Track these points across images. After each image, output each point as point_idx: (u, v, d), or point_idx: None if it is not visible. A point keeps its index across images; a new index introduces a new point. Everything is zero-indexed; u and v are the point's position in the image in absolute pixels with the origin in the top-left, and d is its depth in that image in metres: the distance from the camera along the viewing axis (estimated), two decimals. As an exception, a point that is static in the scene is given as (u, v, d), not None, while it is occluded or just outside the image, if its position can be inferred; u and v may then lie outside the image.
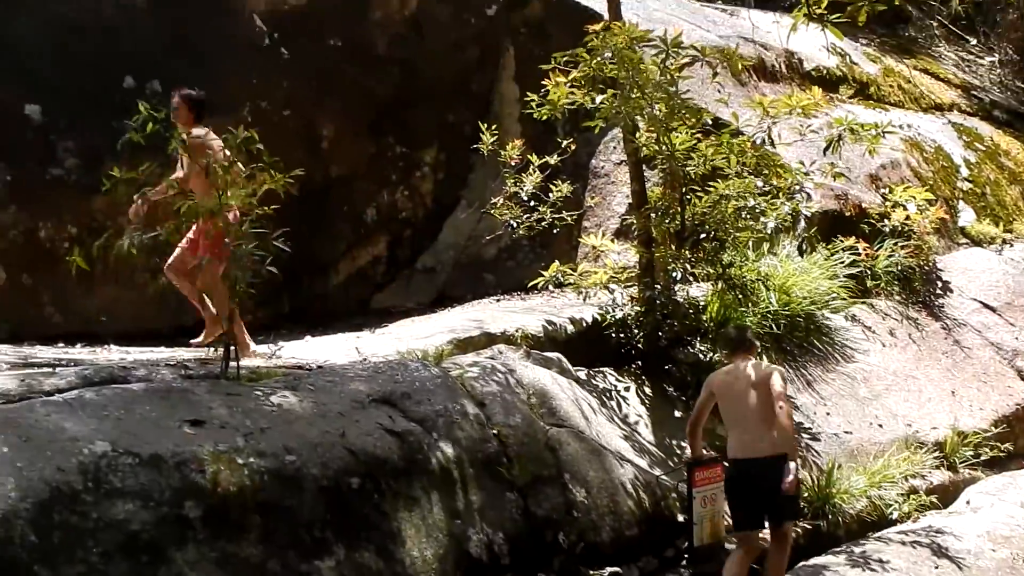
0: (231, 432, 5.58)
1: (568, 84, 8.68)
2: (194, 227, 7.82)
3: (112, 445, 5.19)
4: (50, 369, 6.69)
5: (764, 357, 8.89)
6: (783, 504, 6.78)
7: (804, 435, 9.01)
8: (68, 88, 9.39)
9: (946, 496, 9.03)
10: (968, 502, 8.81)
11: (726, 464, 7.13)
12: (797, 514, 7.34)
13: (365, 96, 10.50)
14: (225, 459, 5.41)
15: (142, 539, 4.96)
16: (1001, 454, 9.63)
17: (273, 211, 6.57)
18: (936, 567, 7.64)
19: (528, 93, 9.33)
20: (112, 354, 8.08)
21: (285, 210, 6.72)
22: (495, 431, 6.75)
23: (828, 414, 9.44)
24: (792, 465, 6.64)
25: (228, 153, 7.11)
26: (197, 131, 7.86)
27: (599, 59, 8.48)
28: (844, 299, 10.23)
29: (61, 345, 8.58)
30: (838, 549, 7.92)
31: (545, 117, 8.98)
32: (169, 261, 8.09)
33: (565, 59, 8.62)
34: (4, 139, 9.12)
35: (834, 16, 8.26)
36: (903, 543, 7.95)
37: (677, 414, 8.51)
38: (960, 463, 9.44)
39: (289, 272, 7.24)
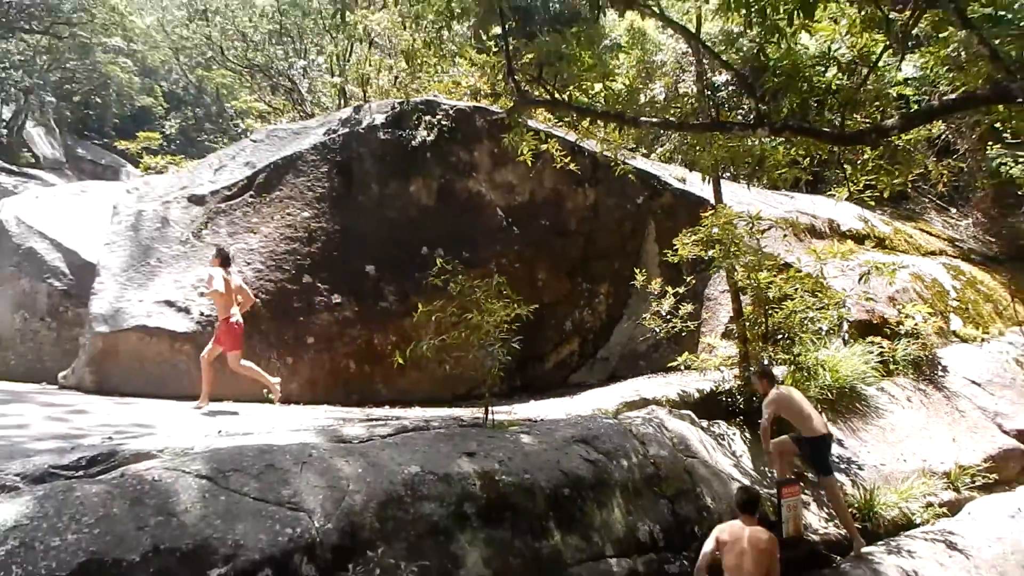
0: (491, 460, 5.63)
1: (690, 244, 8.71)
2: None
3: (420, 468, 5.30)
4: (383, 422, 6.90)
5: (823, 414, 8.47)
6: None
7: (853, 466, 8.59)
8: (389, 255, 9.72)
9: (953, 509, 8.41)
10: (969, 513, 8.18)
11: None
12: None
13: (563, 254, 10.63)
14: (488, 476, 5.46)
15: (440, 526, 5.03)
16: (990, 481, 8.91)
17: (513, 325, 6.73)
18: (949, 555, 7.23)
19: (663, 249, 9.44)
20: (417, 413, 8.27)
21: (518, 323, 6.83)
22: (652, 460, 6.61)
23: (868, 452, 8.92)
24: None
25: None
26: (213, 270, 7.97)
27: (710, 229, 8.51)
28: (875, 377, 9.71)
29: (387, 408, 8.81)
30: (879, 543, 7.53)
31: (676, 261, 9.07)
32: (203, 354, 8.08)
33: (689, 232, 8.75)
34: (355, 286, 9.54)
35: (864, 194, 8.09)
36: (924, 539, 7.51)
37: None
38: (962, 487, 8.79)
39: (520, 361, 7.34)
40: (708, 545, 5.79)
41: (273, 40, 20.49)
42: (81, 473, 5.25)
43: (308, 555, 4.49)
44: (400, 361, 7.05)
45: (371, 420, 7.16)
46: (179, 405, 8.38)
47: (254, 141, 11.01)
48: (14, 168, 31.48)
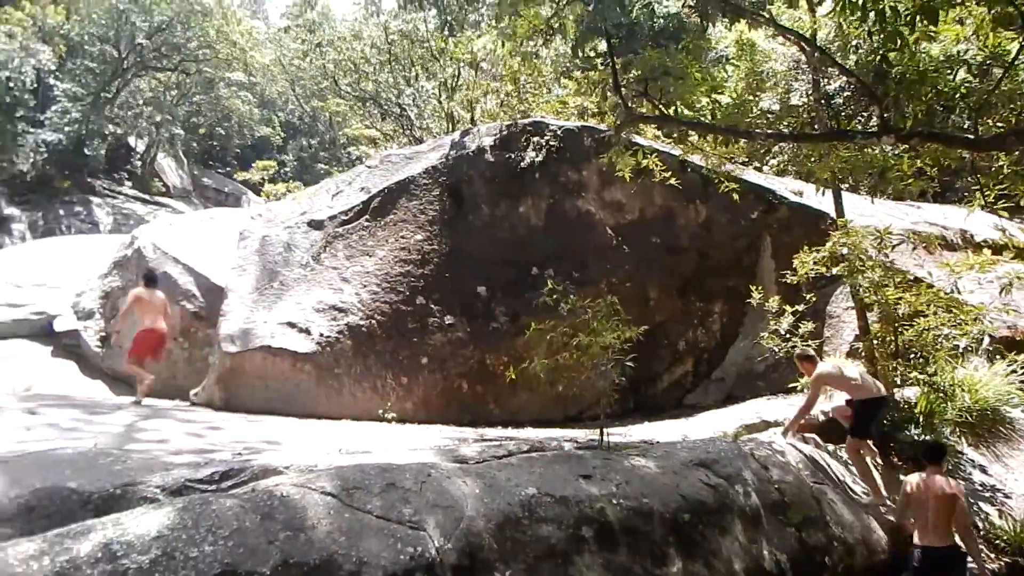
0: (608, 482, 5.55)
1: (811, 261, 8.39)
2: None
3: (538, 489, 5.28)
4: (497, 442, 6.93)
5: (963, 439, 7.96)
6: None
7: (999, 495, 7.92)
8: (500, 276, 9.80)
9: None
10: None
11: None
12: None
13: (675, 272, 10.43)
14: (605, 499, 5.38)
15: (557, 549, 4.98)
16: None
17: (625, 344, 6.64)
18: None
19: (780, 265, 9.11)
20: (530, 433, 8.26)
21: (630, 343, 6.73)
22: (776, 485, 6.35)
23: (1016, 480, 8.23)
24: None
25: None
26: None
27: (834, 247, 8.21)
28: (1021, 398, 8.91)
29: (500, 428, 8.85)
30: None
31: (795, 282, 8.70)
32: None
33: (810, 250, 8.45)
34: (467, 307, 9.66)
35: (996, 204, 7.58)
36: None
37: (900, 477, 7.69)
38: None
39: (632, 381, 7.24)
40: (901, 499, 6.49)
41: (383, 69, 21.19)
42: (215, 487, 5.51)
43: (428, 574, 4.53)
44: (512, 378, 7.10)
45: (486, 440, 7.20)
46: (301, 422, 8.69)
47: (368, 167, 11.37)
48: (147, 197, 33.76)
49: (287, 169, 35.27)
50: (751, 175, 11.37)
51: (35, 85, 30.64)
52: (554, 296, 7.04)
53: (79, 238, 16.32)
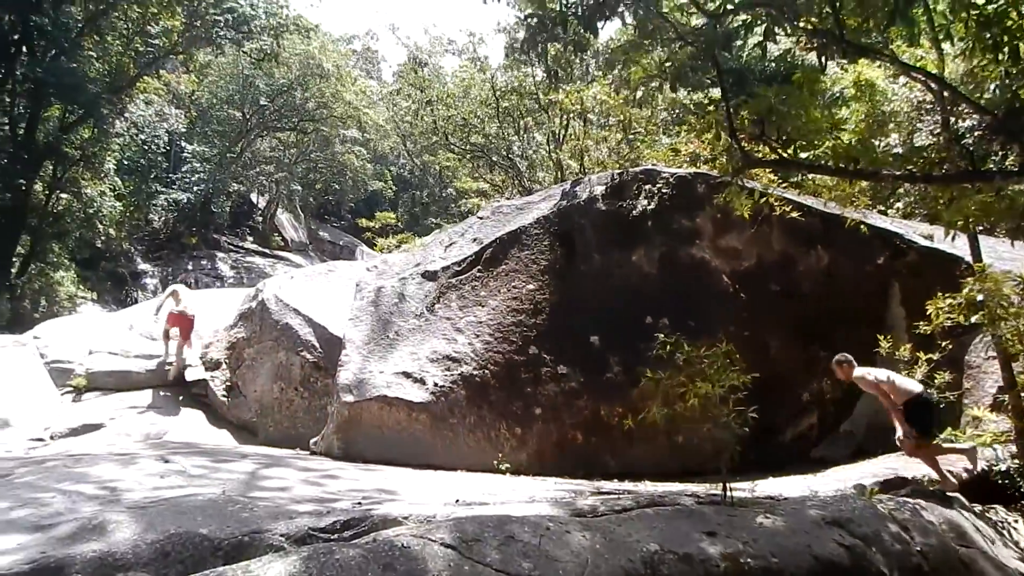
0: (734, 540, 5.37)
1: (946, 309, 7.96)
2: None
3: (660, 546, 5.16)
4: (615, 495, 6.82)
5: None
6: None
7: None
8: (613, 325, 9.75)
9: None
10: None
11: None
12: None
13: (796, 320, 10.09)
14: (731, 558, 5.20)
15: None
16: None
17: (745, 395, 6.46)
18: None
19: (911, 312, 8.68)
20: (648, 487, 8.10)
21: (750, 394, 6.53)
22: (917, 548, 5.97)
23: None
24: None
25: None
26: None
27: (972, 294, 7.79)
28: None
29: (616, 480, 8.71)
30: None
31: (929, 332, 8.26)
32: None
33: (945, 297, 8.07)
34: (580, 356, 9.64)
35: None
36: None
37: None
38: None
39: (754, 433, 7.00)
40: None
41: (492, 122, 21.76)
42: (337, 536, 5.65)
43: (550, 631, 4.48)
44: (628, 428, 6.99)
45: (603, 493, 7.10)
46: (417, 472, 8.82)
47: (480, 218, 11.62)
48: (267, 250, 35.58)
49: (399, 222, 36.55)
50: (875, 219, 10.96)
51: (168, 148, 33.12)
52: (669, 346, 6.93)
53: (207, 292, 17.26)
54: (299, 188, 38.45)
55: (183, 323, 12.79)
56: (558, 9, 7.01)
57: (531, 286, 10.13)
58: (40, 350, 13.28)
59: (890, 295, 10.27)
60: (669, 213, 10.32)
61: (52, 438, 11.01)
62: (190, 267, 34.04)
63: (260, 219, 38.68)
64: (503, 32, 24.69)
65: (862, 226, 9.09)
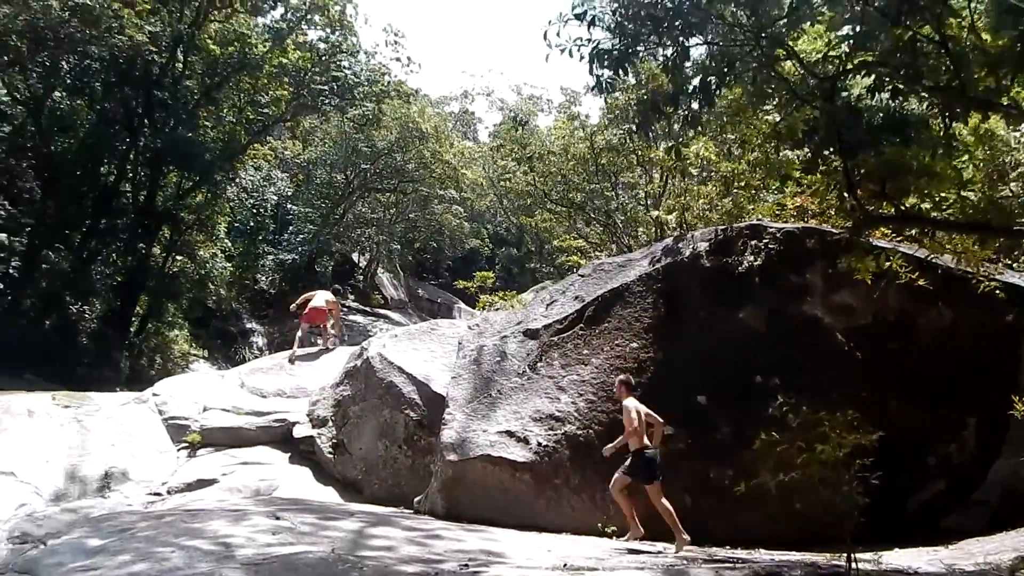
0: (863, 616, 5.12)
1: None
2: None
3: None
4: (730, 564, 6.64)
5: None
6: None
7: None
8: (720, 384, 9.56)
9: None
10: None
11: None
12: None
13: (917, 380, 9.61)
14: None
15: None
16: None
17: (865, 460, 6.23)
18: None
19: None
20: (764, 556, 7.84)
21: (870, 458, 6.29)
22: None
23: None
24: None
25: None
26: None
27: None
28: None
29: (728, 548, 8.47)
30: None
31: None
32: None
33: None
34: (686, 417, 9.41)
35: None
36: None
37: None
38: None
39: (875, 500, 6.71)
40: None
41: (591, 179, 22.00)
42: (447, 600, 5.69)
43: None
44: (740, 493, 6.81)
45: (716, 561, 6.93)
46: (521, 534, 8.81)
47: (581, 276, 11.69)
48: (367, 308, 36.62)
49: (495, 281, 37.23)
50: (1005, 275, 10.45)
51: (275, 210, 34.86)
52: (784, 408, 6.77)
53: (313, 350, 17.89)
54: (398, 247, 39.66)
55: (315, 316, 16.44)
56: (671, 88, 7.04)
57: (634, 344, 10.09)
58: (158, 406, 13.99)
59: (1021, 354, 9.73)
60: (777, 269, 10.13)
61: (169, 492, 11.54)
62: (295, 325, 35.32)
63: (361, 278, 39.96)
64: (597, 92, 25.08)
65: (988, 281, 8.69)
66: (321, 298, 16.92)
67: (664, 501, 8.46)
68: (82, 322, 23.38)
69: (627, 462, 8.70)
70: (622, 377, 9.25)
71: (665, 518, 8.38)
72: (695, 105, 7.00)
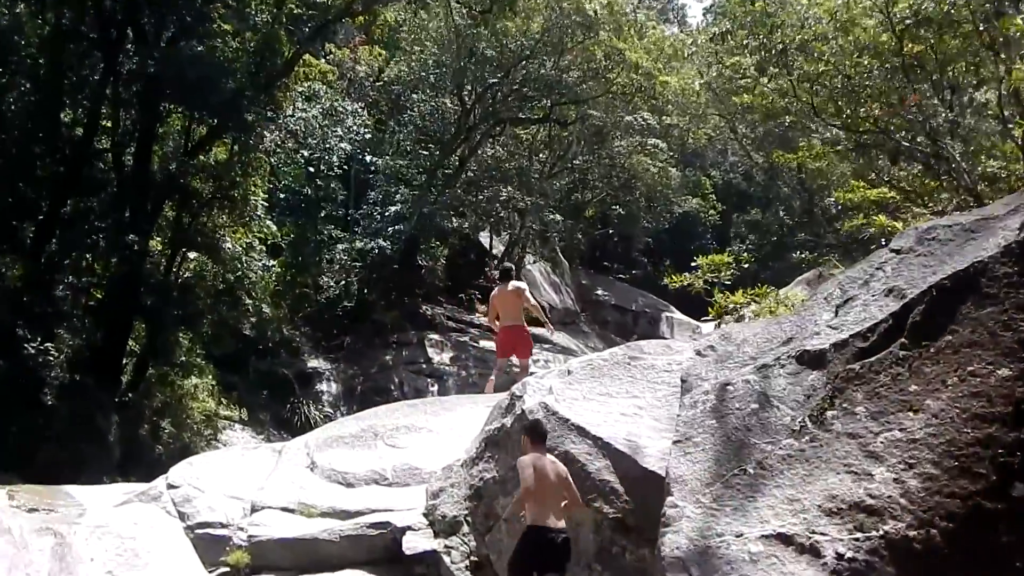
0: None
1: None
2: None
3: None
4: None
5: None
6: None
7: None
8: None
9: None
10: None
11: None
12: None
13: None
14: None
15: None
16: None
17: None
18: None
19: None
20: None
21: None
22: None
23: None
24: None
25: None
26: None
27: None
28: None
29: None
30: None
31: None
32: None
33: None
34: None
35: None
36: None
37: None
38: None
39: None
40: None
41: (893, 79, 21.38)
42: None
43: None
44: None
45: None
46: None
47: (895, 251, 11.38)
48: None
49: (736, 267, 36.77)
50: None
51: (345, 167, 35.34)
52: None
53: (425, 404, 18.27)
54: (557, 218, 38.68)
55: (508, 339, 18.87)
56: None
57: (1004, 372, 9.70)
58: (178, 506, 14.45)
59: None
60: None
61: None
62: (387, 359, 35.70)
63: (496, 273, 40.08)
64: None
65: None
66: (512, 303, 18.69)
67: None
68: (44, 368, 23.73)
69: None
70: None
71: None
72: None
